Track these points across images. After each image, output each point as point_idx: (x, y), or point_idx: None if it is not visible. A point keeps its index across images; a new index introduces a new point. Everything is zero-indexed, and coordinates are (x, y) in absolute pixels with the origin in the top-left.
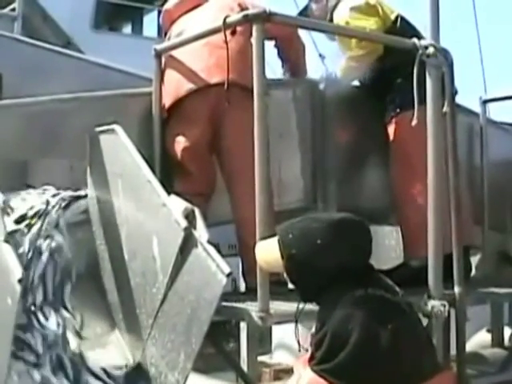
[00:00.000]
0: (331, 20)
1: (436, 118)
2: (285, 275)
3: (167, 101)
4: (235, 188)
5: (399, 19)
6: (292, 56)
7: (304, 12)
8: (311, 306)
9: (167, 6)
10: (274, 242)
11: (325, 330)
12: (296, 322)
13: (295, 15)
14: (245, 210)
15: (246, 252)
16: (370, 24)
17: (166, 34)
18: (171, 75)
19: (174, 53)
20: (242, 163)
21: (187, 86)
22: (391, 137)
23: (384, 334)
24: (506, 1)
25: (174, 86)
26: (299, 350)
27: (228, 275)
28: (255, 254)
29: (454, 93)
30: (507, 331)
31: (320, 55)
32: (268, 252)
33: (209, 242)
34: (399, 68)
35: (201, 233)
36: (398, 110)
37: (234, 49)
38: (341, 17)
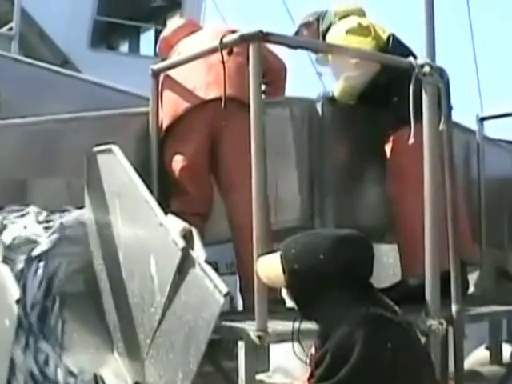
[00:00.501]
0: None
1: (432, 136)
2: (285, 291)
3: (166, 120)
4: (232, 198)
5: (392, 38)
6: (278, 90)
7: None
8: (309, 325)
9: (164, 33)
10: (276, 257)
11: (326, 348)
12: (298, 340)
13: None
14: (243, 219)
15: (244, 267)
16: (364, 44)
17: (162, 57)
18: (169, 95)
19: (173, 73)
20: (240, 174)
21: (185, 104)
22: (388, 154)
23: (384, 352)
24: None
25: (173, 106)
26: (306, 363)
27: (226, 295)
28: (253, 269)
29: (450, 108)
30: (505, 348)
31: (317, 73)
32: (270, 267)
33: (206, 261)
34: (395, 85)
35: (198, 252)
36: (394, 127)
37: (232, 67)
38: (334, 39)
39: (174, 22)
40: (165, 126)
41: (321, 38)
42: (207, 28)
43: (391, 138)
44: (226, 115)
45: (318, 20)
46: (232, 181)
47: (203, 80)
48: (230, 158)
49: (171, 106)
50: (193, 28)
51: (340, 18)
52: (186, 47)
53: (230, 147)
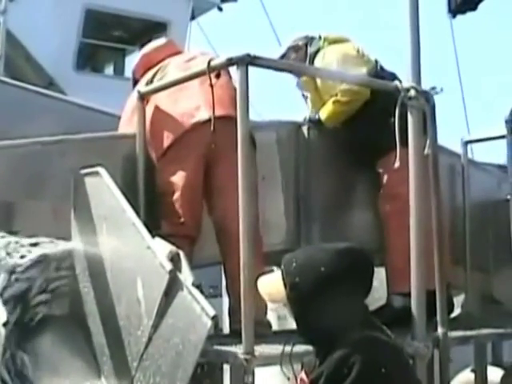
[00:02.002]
0: None
1: (418, 160)
2: (287, 308)
3: (159, 143)
4: (222, 204)
5: (378, 64)
6: None
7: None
8: (300, 348)
9: (145, 50)
10: (277, 273)
11: (322, 368)
12: (291, 363)
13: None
14: (234, 224)
15: (233, 287)
16: (361, 69)
17: (138, 76)
18: (160, 117)
19: (162, 95)
20: (230, 180)
21: (181, 126)
22: (382, 173)
23: (378, 376)
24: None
25: (167, 128)
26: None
27: (213, 318)
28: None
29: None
30: (491, 371)
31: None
32: (271, 282)
33: (193, 284)
34: (384, 109)
35: (186, 276)
36: (385, 151)
37: (228, 85)
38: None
39: (154, 42)
40: (159, 148)
41: (308, 62)
42: (191, 51)
43: (382, 161)
44: (222, 134)
45: (306, 45)
46: (223, 187)
47: (198, 101)
48: (224, 170)
49: (165, 129)
50: (174, 49)
51: (330, 44)
52: (177, 67)
53: (225, 161)
